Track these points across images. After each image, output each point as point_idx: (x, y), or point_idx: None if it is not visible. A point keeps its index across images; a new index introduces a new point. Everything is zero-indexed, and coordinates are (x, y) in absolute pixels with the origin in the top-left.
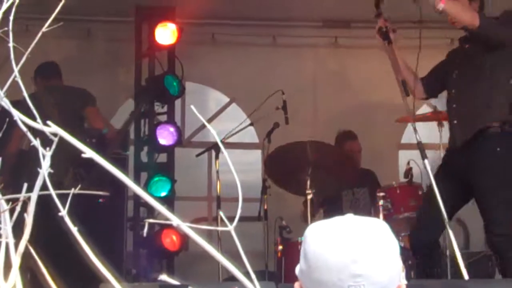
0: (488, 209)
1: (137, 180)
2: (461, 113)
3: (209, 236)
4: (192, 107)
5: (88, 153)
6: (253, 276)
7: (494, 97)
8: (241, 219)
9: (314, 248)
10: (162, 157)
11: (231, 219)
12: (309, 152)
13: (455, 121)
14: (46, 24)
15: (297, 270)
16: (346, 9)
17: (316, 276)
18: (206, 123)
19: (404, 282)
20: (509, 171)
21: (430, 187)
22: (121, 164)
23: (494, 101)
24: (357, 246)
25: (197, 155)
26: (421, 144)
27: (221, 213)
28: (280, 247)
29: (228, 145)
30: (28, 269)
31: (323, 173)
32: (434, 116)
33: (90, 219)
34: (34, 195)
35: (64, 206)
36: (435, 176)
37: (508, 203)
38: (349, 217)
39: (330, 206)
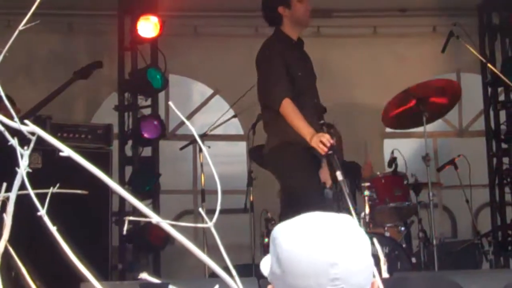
0: None
1: (122, 174)
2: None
3: (195, 230)
4: (171, 103)
5: (66, 151)
6: (234, 272)
7: None
8: (227, 211)
9: (287, 251)
10: (147, 151)
11: (215, 212)
12: None
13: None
14: (24, 21)
15: (268, 272)
16: None
17: (291, 281)
18: (185, 120)
19: (385, 275)
20: None
21: None
22: (105, 158)
23: None
24: (335, 248)
25: (181, 148)
26: None
27: (201, 210)
28: (266, 240)
29: (213, 137)
30: (12, 268)
31: None
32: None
33: (74, 214)
34: (12, 195)
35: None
36: None
37: None
38: (318, 215)
39: (314, 200)
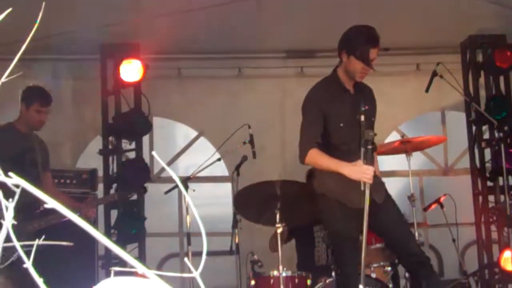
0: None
1: (107, 217)
2: None
3: (182, 272)
4: (154, 153)
5: (51, 203)
6: None
7: None
8: (213, 253)
9: None
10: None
11: (201, 255)
12: (278, 190)
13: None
14: (7, 72)
15: None
16: (310, 39)
17: None
18: (167, 168)
19: None
20: None
21: None
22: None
23: None
24: None
25: (166, 192)
26: None
27: (186, 260)
28: (253, 282)
29: (198, 179)
30: None
31: (292, 208)
32: (402, 147)
33: (60, 259)
34: None
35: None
36: None
37: None
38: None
39: (302, 238)
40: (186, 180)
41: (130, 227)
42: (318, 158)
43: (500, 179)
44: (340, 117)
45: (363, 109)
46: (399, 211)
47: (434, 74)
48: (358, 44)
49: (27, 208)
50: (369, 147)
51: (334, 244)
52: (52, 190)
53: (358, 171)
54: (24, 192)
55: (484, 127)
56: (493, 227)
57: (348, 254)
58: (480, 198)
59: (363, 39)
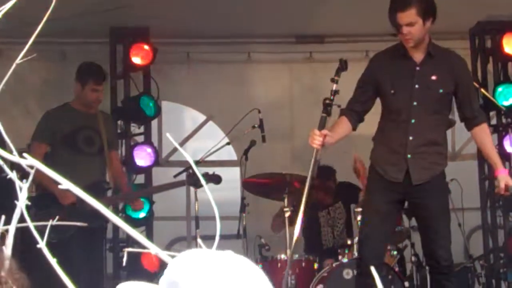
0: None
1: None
2: (419, 150)
3: None
4: (168, 135)
5: (65, 184)
6: None
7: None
8: (221, 237)
9: None
10: (140, 178)
11: (210, 238)
12: (287, 181)
13: (409, 156)
14: (21, 55)
15: None
16: (319, 25)
17: None
18: (179, 148)
19: None
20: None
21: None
22: (99, 187)
23: (444, 138)
24: None
25: (175, 176)
26: None
27: (199, 239)
28: (260, 266)
29: (206, 164)
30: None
31: (300, 196)
32: None
33: (68, 242)
34: (12, 228)
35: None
36: None
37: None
38: (229, 257)
39: (308, 223)
40: (196, 164)
41: (139, 211)
42: (333, 125)
43: (507, 164)
44: (392, 85)
45: None
46: (443, 208)
47: None
48: (389, 13)
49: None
50: (323, 114)
51: (362, 212)
52: (117, 169)
53: (310, 136)
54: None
55: (492, 113)
56: (498, 212)
57: (367, 223)
58: (487, 183)
59: (390, 7)
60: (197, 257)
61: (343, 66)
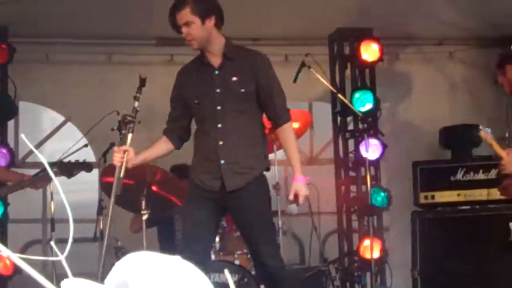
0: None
1: None
2: (232, 154)
3: (44, 260)
4: (23, 136)
5: None
6: None
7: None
8: (77, 240)
9: None
10: None
11: (66, 241)
12: (148, 175)
13: (223, 161)
14: None
15: None
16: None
17: None
18: (34, 149)
19: None
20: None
21: None
22: None
23: (259, 139)
24: None
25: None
26: None
27: (52, 243)
28: None
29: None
30: None
31: (157, 196)
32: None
33: None
34: None
35: None
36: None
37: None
38: (176, 260)
39: (163, 225)
40: (51, 166)
41: None
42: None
43: (362, 170)
44: (196, 96)
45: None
46: (261, 215)
47: (303, 65)
48: (168, 17)
49: None
50: (123, 131)
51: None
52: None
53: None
54: None
55: (349, 119)
56: (353, 217)
57: (186, 234)
58: (343, 188)
59: (169, 10)
60: (145, 258)
61: (142, 83)
